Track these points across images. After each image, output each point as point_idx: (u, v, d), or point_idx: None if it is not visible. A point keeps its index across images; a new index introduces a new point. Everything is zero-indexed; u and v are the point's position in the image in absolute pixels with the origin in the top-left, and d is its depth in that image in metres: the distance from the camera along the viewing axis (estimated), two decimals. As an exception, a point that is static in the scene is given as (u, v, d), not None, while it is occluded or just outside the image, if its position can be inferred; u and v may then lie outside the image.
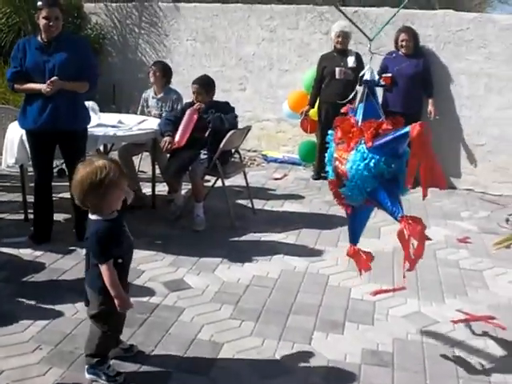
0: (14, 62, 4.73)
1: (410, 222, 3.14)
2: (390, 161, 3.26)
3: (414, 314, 4.12)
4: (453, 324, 3.95)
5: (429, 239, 3.22)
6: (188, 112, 5.59)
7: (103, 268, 2.95)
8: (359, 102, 3.48)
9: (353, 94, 3.83)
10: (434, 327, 3.95)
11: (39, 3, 4.64)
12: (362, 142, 3.28)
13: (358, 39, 7.02)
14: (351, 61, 7.08)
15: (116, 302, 2.98)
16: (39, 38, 4.70)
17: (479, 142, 7.30)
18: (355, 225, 3.74)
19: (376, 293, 4.11)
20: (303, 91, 7.76)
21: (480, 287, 4.61)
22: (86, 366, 3.22)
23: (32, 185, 5.11)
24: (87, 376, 3.21)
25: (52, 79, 4.56)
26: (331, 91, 7.12)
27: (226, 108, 5.81)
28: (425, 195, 3.25)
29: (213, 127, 5.59)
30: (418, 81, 7.17)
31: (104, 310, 3.09)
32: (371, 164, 3.25)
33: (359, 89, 3.53)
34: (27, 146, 5.05)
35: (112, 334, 3.24)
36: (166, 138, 5.55)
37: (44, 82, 4.59)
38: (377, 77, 3.47)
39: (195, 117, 5.57)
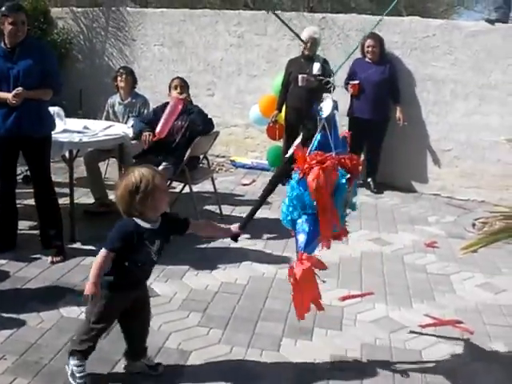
0: None
1: (303, 259, 3.14)
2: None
3: (382, 319, 4.13)
4: (421, 328, 3.97)
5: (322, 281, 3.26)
6: (173, 102, 5.66)
7: (101, 253, 3.00)
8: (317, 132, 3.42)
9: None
10: (402, 332, 3.96)
11: (3, 9, 4.56)
12: (297, 172, 3.24)
13: (325, 46, 7.07)
14: (316, 68, 7.05)
15: (86, 285, 2.98)
16: (2, 45, 4.62)
17: (446, 147, 7.37)
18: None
19: (344, 298, 4.12)
20: (273, 95, 7.75)
21: (447, 291, 4.64)
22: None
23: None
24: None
25: (17, 91, 4.46)
26: (296, 97, 7.15)
27: (202, 111, 5.93)
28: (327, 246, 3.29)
29: (192, 122, 5.68)
30: (384, 87, 7.22)
31: (100, 304, 3.07)
32: (293, 195, 3.22)
33: (325, 97, 3.45)
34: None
35: (96, 330, 3.15)
36: (146, 133, 5.68)
37: (9, 90, 4.50)
38: (337, 113, 3.40)
39: (179, 107, 5.67)
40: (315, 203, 3.12)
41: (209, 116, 5.91)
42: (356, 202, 3.49)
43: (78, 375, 3.14)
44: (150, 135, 5.66)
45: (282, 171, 3.81)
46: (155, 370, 3.35)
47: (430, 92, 7.36)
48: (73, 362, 3.16)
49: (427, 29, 7.30)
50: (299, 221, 3.22)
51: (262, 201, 3.82)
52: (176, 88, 5.96)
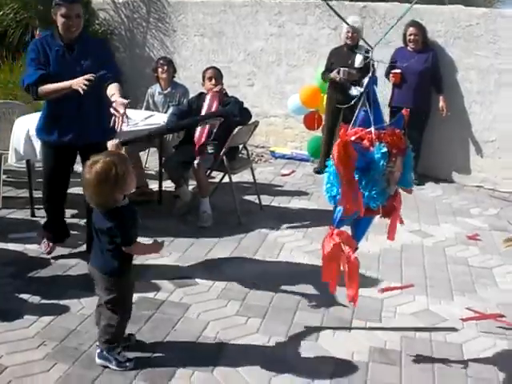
0: (36, 65, 4.08)
1: (333, 234, 3.19)
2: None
3: (422, 312, 4.08)
4: (462, 322, 3.92)
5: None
6: (208, 98, 5.66)
7: (132, 249, 3.15)
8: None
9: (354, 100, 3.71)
10: (443, 325, 3.91)
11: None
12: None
13: (366, 35, 6.97)
14: (358, 60, 6.96)
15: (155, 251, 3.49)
16: (59, 40, 4.12)
17: (489, 138, 7.22)
18: (356, 230, 3.55)
19: (384, 290, 4.07)
20: (315, 86, 7.69)
21: (489, 285, 4.56)
22: (98, 351, 3.27)
23: (40, 180, 5.06)
24: (98, 361, 3.25)
25: (88, 77, 3.86)
26: (336, 87, 7.10)
27: (239, 101, 5.84)
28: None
29: (228, 113, 5.55)
30: (427, 76, 7.10)
31: (118, 293, 3.18)
32: (331, 171, 3.20)
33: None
34: (34, 141, 5.02)
35: (126, 319, 3.30)
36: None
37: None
38: (377, 88, 3.35)
39: (215, 104, 5.64)
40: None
41: (245, 105, 5.86)
42: (410, 179, 3.39)
43: (121, 360, 3.25)
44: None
45: None
46: (128, 340, 3.43)
47: (473, 82, 7.21)
48: (111, 352, 3.24)
49: (470, 17, 7.15)
50: (338, 197, 3.19)
51: None
52: (210, 80, 5.84)
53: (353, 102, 3.45)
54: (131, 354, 3.33)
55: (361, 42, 7.12)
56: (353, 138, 3.10)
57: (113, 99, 3.92)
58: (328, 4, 3.88)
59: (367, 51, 6.92)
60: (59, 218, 4.74)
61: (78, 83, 3.83)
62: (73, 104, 4.11)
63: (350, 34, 7.03)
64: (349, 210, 3.18)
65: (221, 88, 5.80)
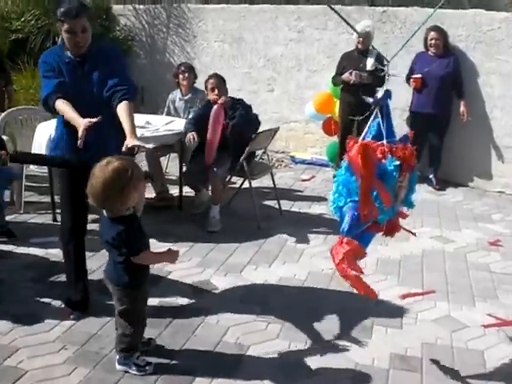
0: (52, 75, 3.75)
1: (343, 242, 3.12)
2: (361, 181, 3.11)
3: (443, 318, 4.05)
4: (483, 328, 3.88)
5: (362, 272, 3.19)
6: (213, 112, 5.49)
7: (140, 259, 3.09)
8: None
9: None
10: (464, 331, 3.87)
11: (59, 11, 3.67)
12: (346, 159, 3.18)
13: (387, 40, 6.95)
14: (370, 63, 6.95)
15: (169, 261, 3.35)
16: (69, 53, 3.78)
17: (510, 143, 7.16)
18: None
19: (405, 296, 4.04)
20: (328, 92, 7.70)
21: (511, 291, 4.52)
22: (117, 357, 3.27)
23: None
24: (118, 367, 3.26)
25: (95, 120, 3.49)
26: (349, 91, 7.11)
27: (246, 106, 5.78)
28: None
29: (236, 124, 5.53)
30: (448, 81, 7.06)
31: (130, 305, 3.17)
32: (340, 181, 3.19)
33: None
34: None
35: (140, 329, 3.29)
36: (190, 134, 5.57)
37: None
38: (390, 102, 3.32)
39: (222, 115, 5.53)
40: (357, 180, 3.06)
41: (259, 111, 5.76)
42: (413, 200, 3.36)
43: (141, 364, 3.26)
44: (193, 136, 5.52)
45: None
46: (148, 344, 3.44)
47: (494, 86, 7.16)
48: (131, 358, 3.25)
49: (492, 22, 7.10)
50: (345, 208, 3.17)
51: None
52: (213, 90, 5.70)
53: (366, 114, 3.42)
54: (151, 359, 3.33)
55: (378, 46, 7.10)
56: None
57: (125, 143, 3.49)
58: (335, 10, 3.87)
59: (379, 55, 6.94)
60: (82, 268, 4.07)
61: (85, 125, 3.47)
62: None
63: (361, 39, 7.03)
64: (365, 216, 3.15)
65: (225, 100, 5.61)
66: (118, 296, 3.20)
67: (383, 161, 3.10)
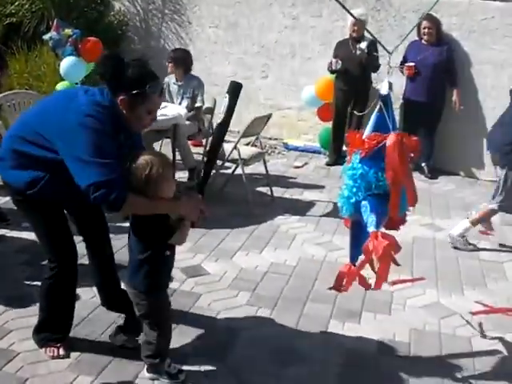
0: (112, 152, 2.85)
1: (379, 237, 3.03)
2: (380, 174, 3.09)
3: (432, 305, 4.10)
4: (472, 315, 3.92)
5: (396, 264, 3.22)
6: None
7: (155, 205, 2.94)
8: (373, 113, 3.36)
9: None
10: (453, 318, 3.92)
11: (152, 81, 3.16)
12: (358, 152, 3.16)
13: (381, 28, 6.96)
14: (364, 45, 7.02)
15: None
16: (124, 120, 3.05)
17: (503, 132, 7.19)
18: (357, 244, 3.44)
19: (394, 283, 4.07)
20: (330, 78, 7.70)
21: (500, 279, 4.57)
22: (146, 366, 3.14)
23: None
24: (147, 375, 3.14)
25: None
26: (343, 79, 7.20)
27: None
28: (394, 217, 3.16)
29: None
30: (441, 70, 7.08)
31: (147, 310, 3.07)
32: (357, 174, 3.14)
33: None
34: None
35: (165, 336, 3.13)
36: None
37: None
38: (392, 93, 3.33)
39: None
40: (389, 174, 3.01)
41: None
42: (406, 206, 3.32)
43: (173, 372, 3.14)
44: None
45: None
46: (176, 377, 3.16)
47: (487, 76, 7.18)
48: (161, 364, 3.12)
49: (486, 11, 7.11)
50: (364, 202, 3.13)
51: None
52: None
53: (367, 112, 3.42)
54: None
55: (374, 33, 7.10)
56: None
57: None
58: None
59: (372, 42, 6.92)
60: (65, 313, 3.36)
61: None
62: None
63: (355, 27, 7.05)
64: (394, 215, 3.13)
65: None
66: (135, 300, 3.10)
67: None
